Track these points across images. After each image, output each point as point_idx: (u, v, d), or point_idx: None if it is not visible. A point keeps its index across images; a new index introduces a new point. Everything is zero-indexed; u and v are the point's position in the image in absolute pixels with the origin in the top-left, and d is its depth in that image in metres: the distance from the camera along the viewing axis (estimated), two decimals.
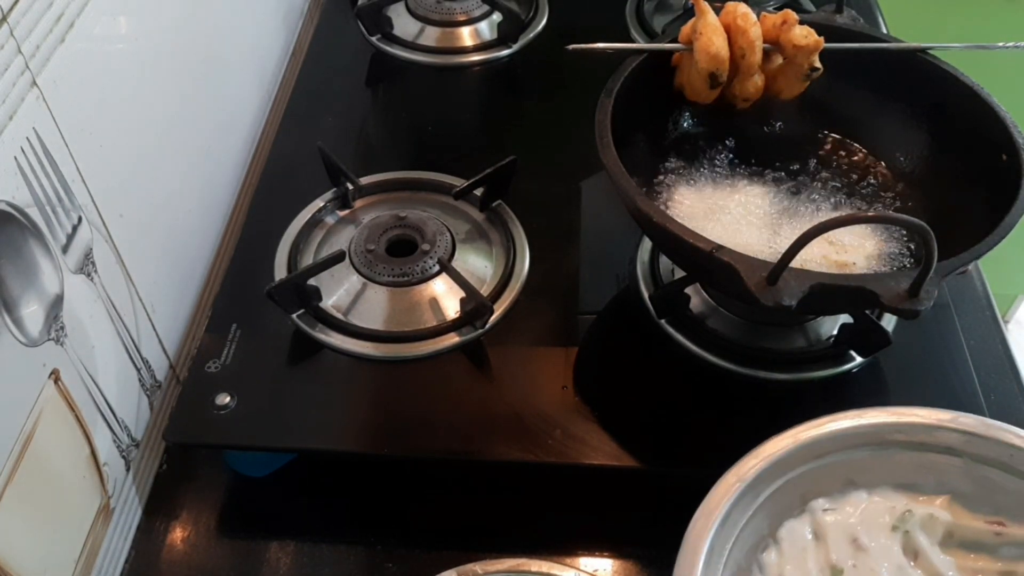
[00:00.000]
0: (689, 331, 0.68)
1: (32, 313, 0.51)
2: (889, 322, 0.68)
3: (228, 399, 0.64)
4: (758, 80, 0.68)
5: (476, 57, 0.96)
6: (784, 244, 0.62)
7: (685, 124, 0.74)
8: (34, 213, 0.51)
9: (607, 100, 0.65)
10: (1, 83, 0.47)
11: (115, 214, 0.61)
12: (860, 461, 0.53)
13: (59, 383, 0.54)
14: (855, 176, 0.71)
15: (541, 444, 0.62)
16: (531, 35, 0.98)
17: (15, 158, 0.49)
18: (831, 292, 0.54)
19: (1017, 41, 0.70)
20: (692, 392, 0.66)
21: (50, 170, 0.53)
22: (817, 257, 0.62)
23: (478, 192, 0.78)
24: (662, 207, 0.67)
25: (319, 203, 0.78)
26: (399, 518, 0.64)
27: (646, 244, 0.75)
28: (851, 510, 0.52)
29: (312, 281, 0.69)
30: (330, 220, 0.78)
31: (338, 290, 0.71)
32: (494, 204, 0.78)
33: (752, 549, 0.51)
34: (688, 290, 0.68)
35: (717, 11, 0.67)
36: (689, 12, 0.70)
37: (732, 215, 0.67)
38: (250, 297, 0.70)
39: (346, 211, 0.79)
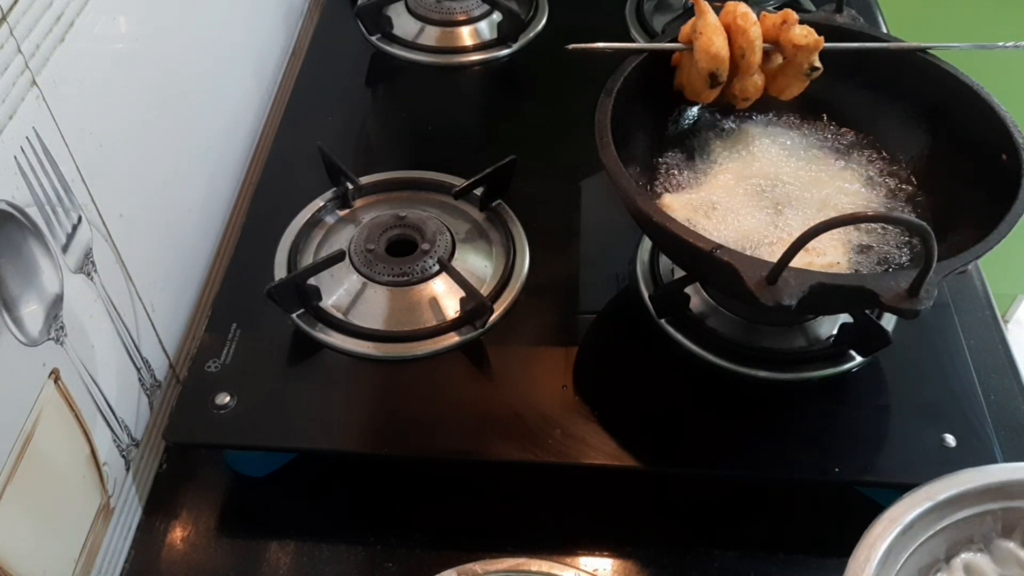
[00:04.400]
0: (689, 331, 0.68)
1: (32, 313, 0.51)
2: (889, 322, 0.68)
3: (228, 399, 0.64)
4: (758, 80, 0.68)
5: (476, 57, 0.96)
6: (786, 240, 0.62)
7: (685, 123, 0.74)
8: (34, 213, 0.51)
9: (607, 100, 0.65)
10: (1, 82, 0.47)
11: (115, 214, 0.60)
12: None
13: (59, 383, 0.54)
14: None
15: (541, 444, 0.62)
16: (531, 35, 0.98)
17: (15, 158, 0.49)
18: (831, 292, 0.54)
19: (1017, 41, 0.70)
20: (692, 392, 0.66)
21: (50, 170, 0.53)
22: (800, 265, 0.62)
23: (478, 192, 0.78)
24: (662, 206, 0.67)
25: (319, 203, 0.78)
26: (399, 518, 0.64)
27: (646, 244, 0.75)
28: None
29: (312, 281, 0.69)
30: (330, 220, 0.78)
31: (338, 290, 0.71)
32: (494, 204, 0.78)
33: (926, 567, 0.52)
34: (688, 290, 0.68)
35: (717, 11, 0.67)
36: (689, 12, 0.70)
37: (732, 212, 0.67)
38: (250, 297, 0.70)
39: (346, 211, 0.79)
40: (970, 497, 0.52)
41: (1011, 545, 0.53)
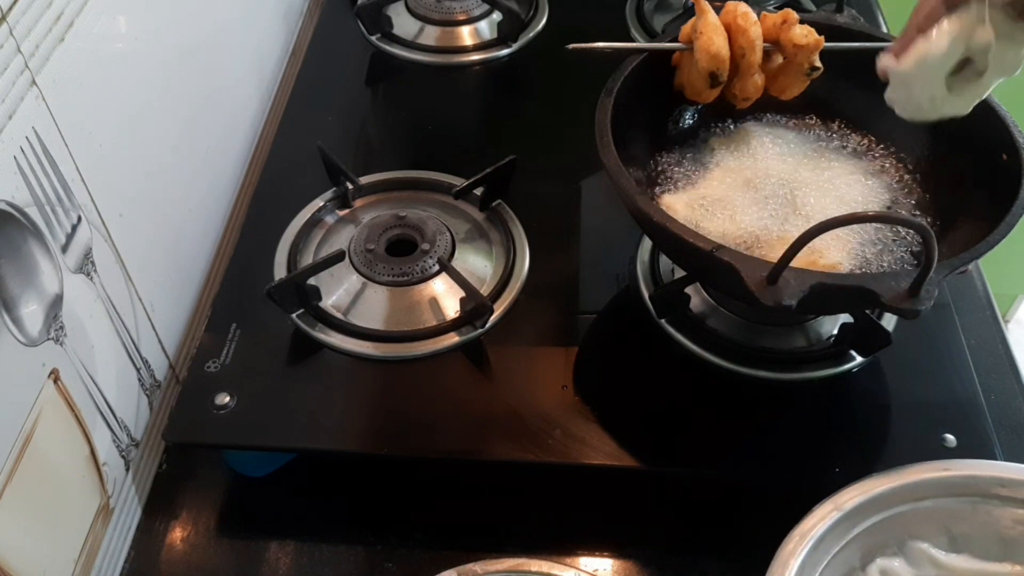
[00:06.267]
0: (689, 331, 0.68)
1: (31, 313, 0.51)
2: (889, 322, 0.68)
3: (228, 399, 0.64)
4: (758, 79, 0.68)
5: (476, 56, 0.96)
6: (786, 240, 0.62)
7: (685, 123, 0.74)
8: (33, 213, 0.51)
9: (607, 100, 0.65)
10: (0, 82, 0.47)
11: (115, 214, 0.60)
12: (960, 511, 0.54)
13: (59, 383, 0.54)
14: None
15: (541, 444, 0.62)
16: (531, 34, 0.98)
17: (14, 158, 0.49)
18: (831, 292, 0.54)
19: None
20: (692, 392, 0.66)
21: (49, 170, 0.53)
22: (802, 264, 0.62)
23: (478, 192, 0.78)
24: (662, 206, 0.67)
25: (319, 203, 0.78)
26: (399, 518, 0.64)
27: (646, 244, 0.75)
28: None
29: (312, 281, 0.69)
30: (330, 220, 0.78)
31: (338, 290, 0.71)
32: (494, 204, 0.78)
33: None
34: (688, 290, 0.68)
35: (717, 10, 0.67)
36: (689, 11, 0.70)
37: (733, 212, 0.67)
38: (250, 297, 0.70)
39: (346, 211, 0.79)
40: (879, 502, 0.53)
41: (924, 546, 0.54)
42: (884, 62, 0.58)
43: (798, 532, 0.51)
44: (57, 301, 0.53)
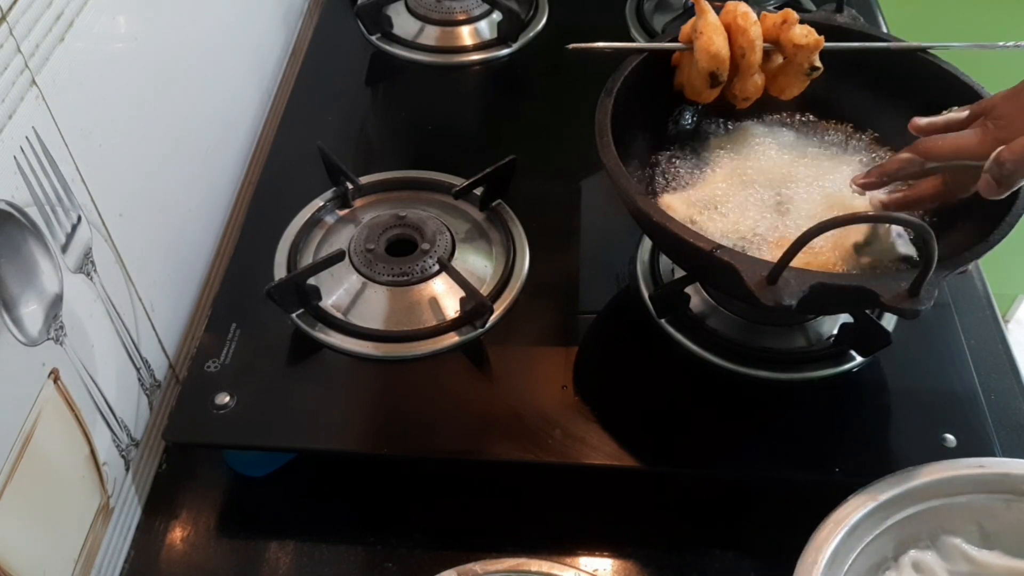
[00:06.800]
0: (689, 331, 0.68)
1: (31, 312, 0.51)
2: (889, 322, 0.68)
3: (228, 399, 0.64)
4: (758, 79, 0.68)
5: (476, 56, 0.96)
6: (786, 240, 0.62)
7: (685, 123, 0.74)
8: (33, 212, 0.51)
9: (607, 100, 0.65)
10: (0, 82, 0.47)
11: (115, 214, 0.60)
12: (993, 508, 0.54)
13: (58, 383, 0.54)
14: None
15: (541, 444, 0.62)
16: (531, 34, 0.98)
17: (14, 157, 0.49)
18: (831, 292, 0.54)
19: (1017, 41, 0.69)
20: (692, 392, 0.66)
21: (49, 169, 0.53)
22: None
23: (478, 191, 0.78)
24: (662, 206, 0.67)
25: (319, 202, 0.78)
26: (399, 518, 0.64)
27: (646, 244, 0.75)
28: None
29: (312, 281, 0.69)
30: (330, 219, 0.78)
31: (338, 290, 0.71)
32: (494, 203, 0.78)
33: (874, 567, 0.53)
34: (688, 290, 0.68)
35: (717, 10, 0.67)
36: (689, 11, 0.70)
37: (733, 212, 0.67)
38: (250, 297, 0.70)
39: (346, 210, 0.79)
40: (913, 495, 0.53)
41: (956, 540, 0.54)
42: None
43: (833, 519, 0.51)
44: (57, 301, 0.53)
